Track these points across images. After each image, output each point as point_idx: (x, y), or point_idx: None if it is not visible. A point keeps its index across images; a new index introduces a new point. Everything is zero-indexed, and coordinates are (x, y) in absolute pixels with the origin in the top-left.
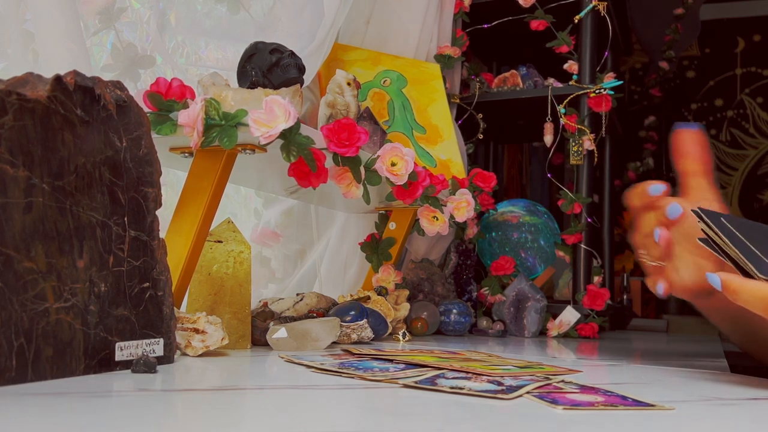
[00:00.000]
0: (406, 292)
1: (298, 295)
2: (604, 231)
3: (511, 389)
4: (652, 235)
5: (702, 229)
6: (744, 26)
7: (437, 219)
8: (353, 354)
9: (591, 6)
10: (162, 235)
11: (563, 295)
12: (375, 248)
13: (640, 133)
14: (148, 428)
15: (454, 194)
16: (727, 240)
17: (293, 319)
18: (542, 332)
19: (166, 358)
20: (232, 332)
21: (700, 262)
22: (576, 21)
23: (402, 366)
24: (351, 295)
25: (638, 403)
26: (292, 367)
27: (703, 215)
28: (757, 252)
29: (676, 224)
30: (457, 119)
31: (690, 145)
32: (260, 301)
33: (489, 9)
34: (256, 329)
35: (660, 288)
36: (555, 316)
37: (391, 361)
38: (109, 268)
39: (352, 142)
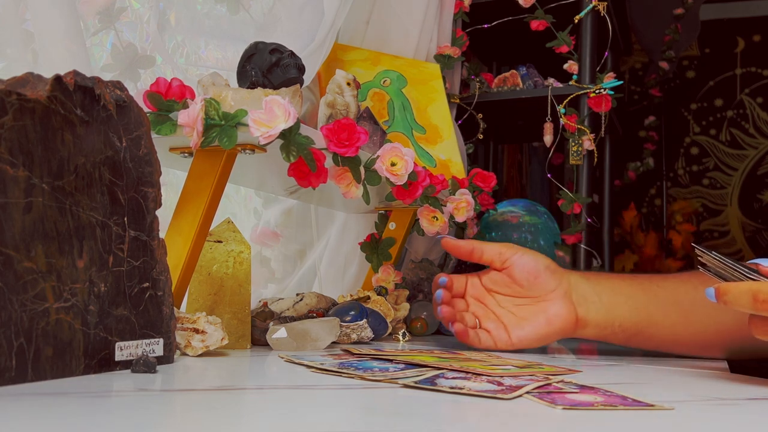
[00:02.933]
0: (406, 292)
1: (297, 295)
2: (604, 231)
3: (511, 389)
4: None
5: (701, 260)
6: (744, 26)
7: (437, 219)
8: (353, 354)
9: (591, 6)
10: (162, 235)
11: None
12: (375, 248)
13: (640, 133)
14: (148, 428)
15: (453, 194)
16: (728, 262)
17: (293, 319)
18: None
19: (166, 358)
20: (231, 332)
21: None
22: (576, 21)
23: (402, 366)
24: (351, 295)
25: (638, 403)
26: (291, 367)
27: (699, 248)
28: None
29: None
30: (456, 119)
31: (451, 248)
32: (260, 301)
33: (489, 9)
34: (256, 329)
35: None
36: None
37: (390, 361)
38: (109, 268)
39: (352, 142)
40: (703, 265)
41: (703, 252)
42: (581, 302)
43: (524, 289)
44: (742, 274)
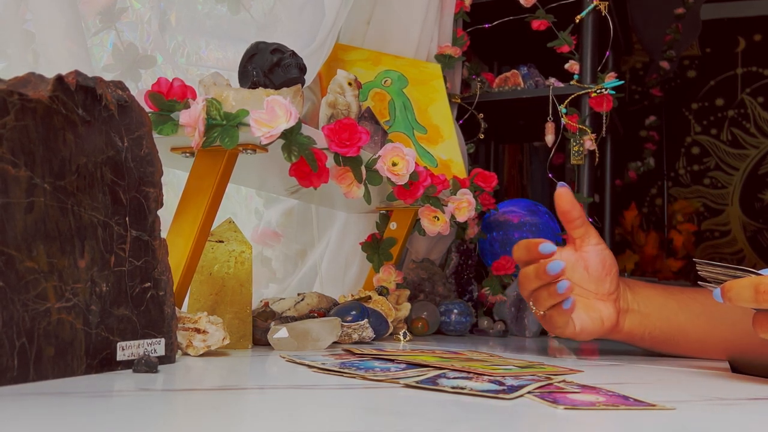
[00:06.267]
0: (407, 292)
1: (299, 295)
2: (605, 231)
3: (512, 389)
4: (539, 290)
5: (700, 274)
6: (744, 26)
7: (438, 219)
8: (354, 354)
9: (592, 6)
10: (163, 235)
11: None
12: (376, 248)
13: (640, 132)
14: (149, 428)
15: (455, 194)
16: (727, 266)
17: (294, 319)
18: (543, 332)
19: (168, 358)
20: (233, 332)
21: (595, 307)
22: (577, 21)
23: (403, 366)
24: (352, 295)
25: (639, 403)
26: (293, 367)
27: (698, 261)
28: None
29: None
30: (457, 119)
31: (565, 202)
32: (261, 301)
33: (490, 9)
34: (257, 329)
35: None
36: None
37: (392, 360)
38: (111, 267)
39: (353, 142)
40: (703, 279)
41: (702, 264)
42: (623, 310)
43: (590, 281)
44: (743, 272)
